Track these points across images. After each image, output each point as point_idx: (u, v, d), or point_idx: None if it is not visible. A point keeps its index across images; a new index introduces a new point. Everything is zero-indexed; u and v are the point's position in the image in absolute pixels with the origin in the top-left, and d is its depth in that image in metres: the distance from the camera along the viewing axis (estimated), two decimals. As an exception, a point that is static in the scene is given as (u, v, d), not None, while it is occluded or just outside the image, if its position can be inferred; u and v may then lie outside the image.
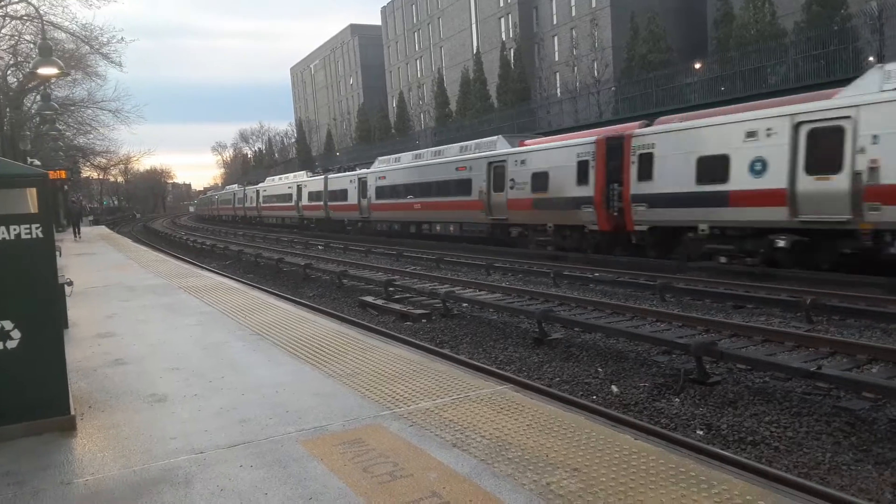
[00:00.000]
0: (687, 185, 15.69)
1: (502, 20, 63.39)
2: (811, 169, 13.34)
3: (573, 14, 56.11)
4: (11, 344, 4.85)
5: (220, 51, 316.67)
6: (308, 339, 7.65)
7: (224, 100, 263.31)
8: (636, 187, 16.91)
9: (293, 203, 44.21)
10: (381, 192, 30.36)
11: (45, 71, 13.94)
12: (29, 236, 4.86)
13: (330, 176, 37.75)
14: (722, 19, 35.68)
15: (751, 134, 14.35)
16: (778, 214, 13.83)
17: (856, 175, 12.61)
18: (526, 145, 21.79)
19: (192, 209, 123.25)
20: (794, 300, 11.27)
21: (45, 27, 18.22)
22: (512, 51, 53.30)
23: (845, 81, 14.87)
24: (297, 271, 19.90)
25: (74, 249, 24.34)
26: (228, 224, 63.07)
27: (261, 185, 56.53)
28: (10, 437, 4.88)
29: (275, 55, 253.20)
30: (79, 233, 33.87)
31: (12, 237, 4.83)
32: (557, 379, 8.36)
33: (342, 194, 35.00)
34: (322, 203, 38.18)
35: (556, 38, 57.98)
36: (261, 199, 54.89)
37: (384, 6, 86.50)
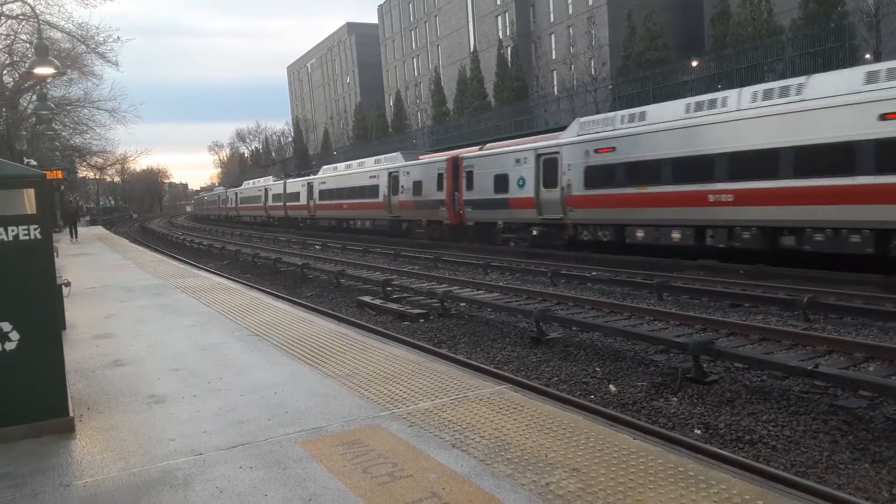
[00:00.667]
0: (489, 194, 23.00)
1: (499, 18, 63.39)
2: (546, 184, 20.68)
3: (570, 12, 56.13)
4: (10, 345, 4.86)
5: (217, 50, 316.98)
6: (306, 340, 7.67)
7: (221, 99, 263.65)
8: (466, 195, 24.55)
9: (262, 204, 52.42)
10: (322, 194, 39.00)
11: (41, 70, 13.93)
12: (27, 237, 4.87)
13: (288, 181, 46.81)
14: (719, 16, 35.71)
15: (517, 160, 21.91)
16: (532, 214, 21.40)
17: (562, 189, 19.86)
18: (419, 160, 29.36)
19: (189, 209, 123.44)
20: (791, 299, 11.32)
21: (42, 26, 18.15)
22: (509, 49, 53.27)
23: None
24: (295, 271, 19.95)
25: (72, 250, 24.39)
26: (224, 224, 63.70)
27: (238, 188, 65.03)
28: (9, 439, 4.88)
29: (271, 54, 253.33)
30: (76, 234, 33.90)
31: (10, 238, 4.86)
32: (556, 378, 8.37)
33: (296, 196, 43.55)
34: (282, 203, 46.86)
35: (553, 36, 58.01)
36: (238, 201, 62.43)
37: (381, 4, 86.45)
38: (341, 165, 38.61)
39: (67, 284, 10.25)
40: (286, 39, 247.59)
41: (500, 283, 15.61)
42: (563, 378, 8.38)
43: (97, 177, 73.97)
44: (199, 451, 4.61)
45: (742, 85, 23.28)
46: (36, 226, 4.89)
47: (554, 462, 4.19)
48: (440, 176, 26.30)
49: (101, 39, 30.59)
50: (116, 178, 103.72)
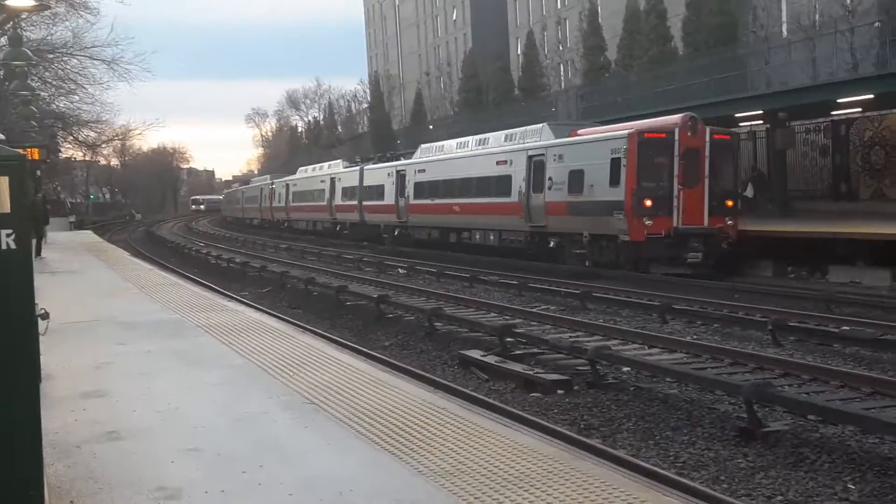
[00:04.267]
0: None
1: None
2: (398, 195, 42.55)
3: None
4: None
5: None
6: (386, 414, 7.83)
7: (266, 48, 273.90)
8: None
9: (325, 202, 54.57)
10: (420, 190, 41.75)
11: (15, 2, 14.53)
12: (-5, 248, 4.80)
13: (366, 168, 49.53)
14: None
15: (389, 174, 43.96)
16: (392, 218, 43.46)
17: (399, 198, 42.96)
18: (578, 134, 32.36)
19: (195, 207, 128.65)
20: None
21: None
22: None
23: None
24: (368, 307, 20.34)
25: (49, 265, 25.56)
26: (265, 232, 65.62)
27: (290, 177, 65.68)
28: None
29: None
30: (41, 249, 29.83)
31: (-30, 249, 4.83)
32: (780, 498, 8.22)
33: (378, 192, 46.18)
34: (357, 202, 49.40)
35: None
36: (290, 197, 63.41)
37: None
38: (450, 144, 40.19)
39: (44, 317, 10.73)
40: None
41: (687, 338, 15.39)
42: (792, 499, 8.20)
43: (87, 158, 78.16)
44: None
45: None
46: (10, 231, 4.96)
47: None
48: (615, 162, 26.79)
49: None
50: (114, 161, 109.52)
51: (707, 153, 26.83)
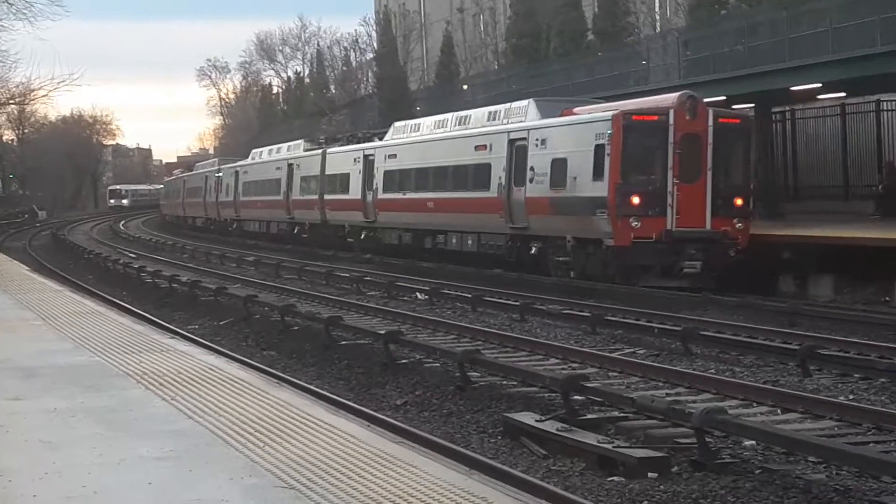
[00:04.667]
0: None
1: None
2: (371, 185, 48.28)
3: None
4: None
5: None
6: (400, 508, 7.77)
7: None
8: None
9: (280, 197, 59.26)
10: (389, 181, 47.94)
11: None
12: None
13: (330, 151, 55.15)
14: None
15: (356, 160, 50.69)
16: (359, 217, 49.83)
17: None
18: (569, 114, 36.42)
19: (114, 202, 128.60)
20: None
21: None
22: None
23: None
24: (372, 348, 20.41)
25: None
26: (222, 240, 66.10)
27: (242, 162, 70.83)
28: None
29: None
30: None
31: None
32: None
33: (342, 182, 52.34)
34: (317, 198, 54.54)
35: None
36: (239, 189, 68.13)
37: None
38: (427, 122, 45.98)
39: None
40: None
41: (839, 398, 15.38)
42: None
43: None
44: None
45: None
46: None
47: None
48: (599, 150, 30.55)
49: None
50: (8, 136, 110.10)
51: (710, 140, 29.78)
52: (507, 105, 38.88)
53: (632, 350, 20.59)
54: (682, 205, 28.91)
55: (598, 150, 29.91)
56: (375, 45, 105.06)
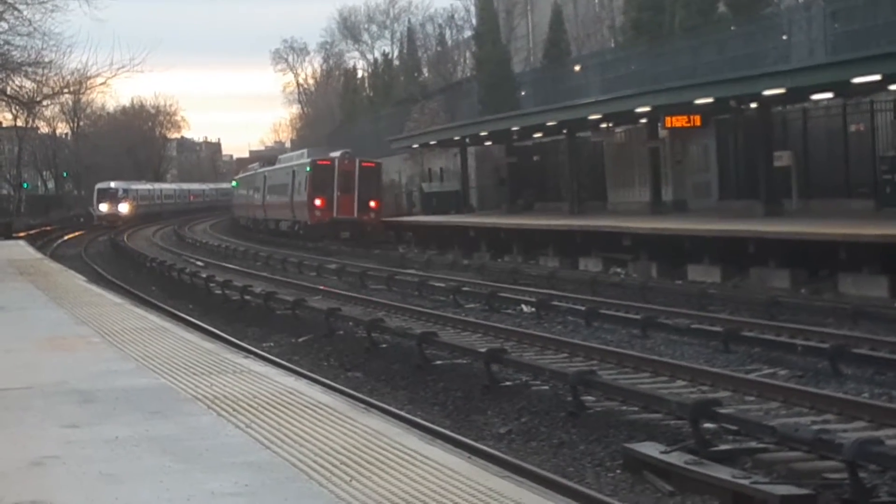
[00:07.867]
0: None
1: None
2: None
3: None
4: None
5: None
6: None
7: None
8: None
9: (288, 198, 79.67)
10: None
11: None
12: None
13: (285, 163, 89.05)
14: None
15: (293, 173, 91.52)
16: (287, 214, 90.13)
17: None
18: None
19: (121, 210, 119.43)
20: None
21: None
22: None
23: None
24: (471, 369, 20.81)
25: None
26: (299, 245, 67.98)
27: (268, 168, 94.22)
28: None
29: None
30: None
31: None
32: None
33: (281, 193, 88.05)
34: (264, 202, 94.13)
35: None
36: (266, 190, 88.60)
37: None
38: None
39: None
40: None
41: None
42: None
43: (20, 122, 78.47)
44: None
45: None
46: None
47: None
48: (306, 177, 73.96)
49: None
50: (62, 129, 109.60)
51: (357, 174, 70.02)
52: (299, 152, 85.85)
53: (771, 371, 20.32)
54: (341, 204, 68.84)
55: (306, 177, 71.83)
56: (474, 21, 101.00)
